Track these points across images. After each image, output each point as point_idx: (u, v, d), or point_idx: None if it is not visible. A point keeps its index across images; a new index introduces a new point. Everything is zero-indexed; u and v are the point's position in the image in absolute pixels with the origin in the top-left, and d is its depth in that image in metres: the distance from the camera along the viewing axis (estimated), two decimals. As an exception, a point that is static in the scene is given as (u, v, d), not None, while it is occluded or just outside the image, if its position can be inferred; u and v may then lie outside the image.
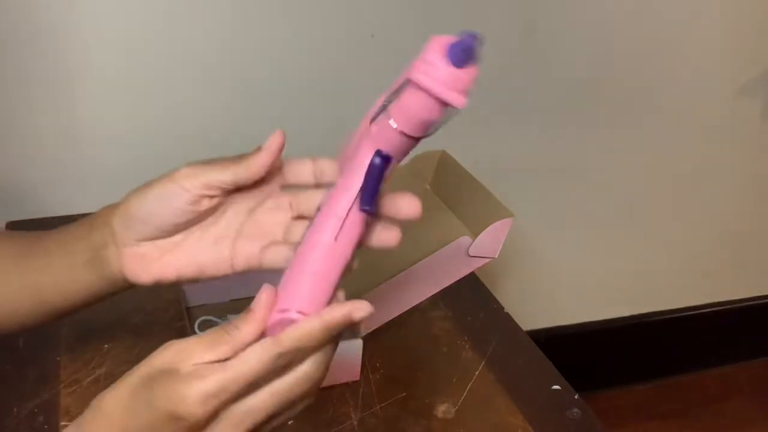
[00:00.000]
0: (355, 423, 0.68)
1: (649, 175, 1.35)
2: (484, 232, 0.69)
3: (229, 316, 0.74)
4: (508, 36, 1.11)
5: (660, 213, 1.42)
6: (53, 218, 0.94)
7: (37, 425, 0.63)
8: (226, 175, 0.46)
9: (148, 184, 0.48)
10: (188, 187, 0.46)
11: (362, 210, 0.42)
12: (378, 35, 1.03)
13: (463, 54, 0.36)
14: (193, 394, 0.37)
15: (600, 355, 1.54)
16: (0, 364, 0.71)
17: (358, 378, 0.73)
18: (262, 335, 0.41)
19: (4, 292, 0.52)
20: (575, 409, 0.72)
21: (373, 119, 0.41)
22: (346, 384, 0.72)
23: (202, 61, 0.97)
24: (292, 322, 0.40)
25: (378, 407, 0.70)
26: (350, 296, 0.72)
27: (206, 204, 0.47)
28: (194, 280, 0.50)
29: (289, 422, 0.66)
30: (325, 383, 0.71)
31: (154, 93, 0.97)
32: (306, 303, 0.41)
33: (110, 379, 0.68)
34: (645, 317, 1.54)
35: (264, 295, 0.41)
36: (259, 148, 0.47)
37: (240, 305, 0.65)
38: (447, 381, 0.74)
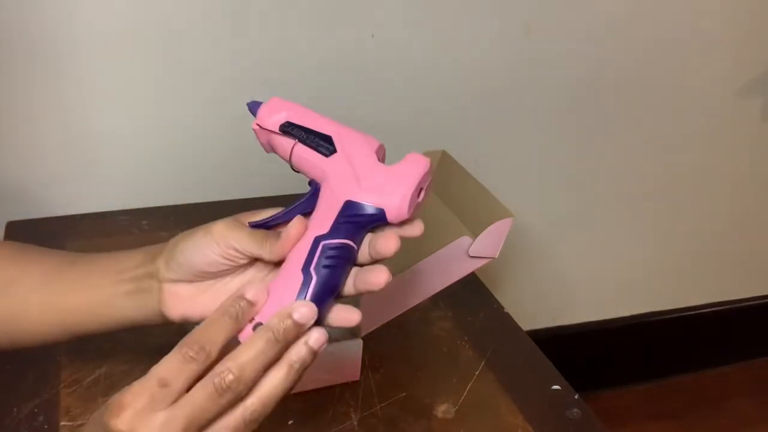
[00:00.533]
0: (355, 423, 0.68)
1: (648, 175, 1.35)
2: (484, 232, 0.69)
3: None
4: (507, 36, 1.11)
5: (660, 213, 1.42)
6: (53, 218, 0.94)
7: (37, 425, 0.63)
8: (252, 248, 0.49)
9: (193, 231, 0.51)
10: (221, 245, 0.49)
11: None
12: (378, 35, 1.03)
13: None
14: (112, 402, 0.40)
15: (600, 355, 1.54)
16: (0, 364, 0.71)
17: (358, 378, 0.73)
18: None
19: (30, 311, 0.54)
20: (575, 409, 0.72)
21: None
22: (346, 384, 0.72)
23: (201, 60, 0.97)
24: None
25: (378, 407, 0.70)
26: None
27: (237, 261, 0.50)
28: None
29: (289, 422, 0.66)
30: (325, 383, 0.71)
31: (154, 93, 0.97)
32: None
33: (110, 379, 0.69)
34: (645, 317, 1.54)
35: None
36: (279, 234, 0.49)
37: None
38: (447, 381, 0.74)
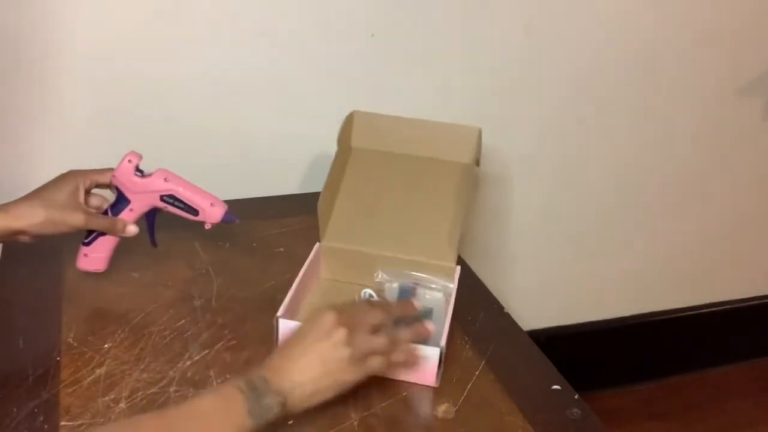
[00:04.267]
0: (355, 423, 0.68)
1: (648, 176, 1.35)
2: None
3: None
4: (507, 36, 1.11)
5: (659, 213, 1.42)
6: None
7: (37, 425, 0.63)
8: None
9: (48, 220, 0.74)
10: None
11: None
12: (378, 35, 1.03)
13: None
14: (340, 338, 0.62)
15: (600, 355, 1.54)
16: (0, 364, 0.71)
17: (434, 384, 0.72)
18: None
19: None
20: (575, 409, 0.72)
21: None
22: (346, 384, 0.72)
23: (202, 61, 0.97)
24: None
25: (378, 407, 0.70)
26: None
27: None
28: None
29: (289, 422, 0.66)
30: (403, 378, 0.72)
31: (154, 94, 0.97)
32: None
33: (110, 379, 0.68)
34: (645, 317, 1.54)
35: None
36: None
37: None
38: (447, 381, 0.74)
